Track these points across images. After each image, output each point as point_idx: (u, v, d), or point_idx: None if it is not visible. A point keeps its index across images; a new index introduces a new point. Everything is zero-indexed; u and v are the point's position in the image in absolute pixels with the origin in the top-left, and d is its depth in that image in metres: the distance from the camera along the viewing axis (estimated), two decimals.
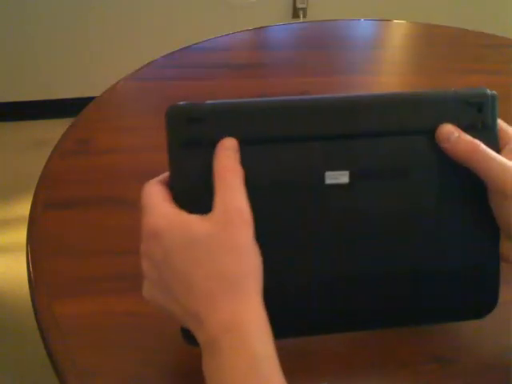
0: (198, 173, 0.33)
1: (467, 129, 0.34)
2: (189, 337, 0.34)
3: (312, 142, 0.34)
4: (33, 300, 0.45)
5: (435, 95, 0.36)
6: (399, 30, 1.05)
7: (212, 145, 0.33)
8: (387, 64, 0.90)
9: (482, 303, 0.38)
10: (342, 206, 0.35)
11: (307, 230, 0.35)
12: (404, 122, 0.35)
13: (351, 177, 0.34)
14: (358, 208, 0.35)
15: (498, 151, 0.34)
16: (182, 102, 0.34)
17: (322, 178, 0.34)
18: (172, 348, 0.40)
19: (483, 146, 0.33)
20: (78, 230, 0.52)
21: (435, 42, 0.96)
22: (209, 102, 0.34)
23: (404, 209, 0.35)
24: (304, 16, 1.95)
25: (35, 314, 0.44)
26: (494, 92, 0.35)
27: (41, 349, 0.42)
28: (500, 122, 0.36)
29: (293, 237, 0.35)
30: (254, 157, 0.33)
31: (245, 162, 0.33)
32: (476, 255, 0.37)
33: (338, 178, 0.34)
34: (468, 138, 0.34)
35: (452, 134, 0.34)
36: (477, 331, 0.38)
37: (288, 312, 0.35)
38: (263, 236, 0.32)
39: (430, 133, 0.35)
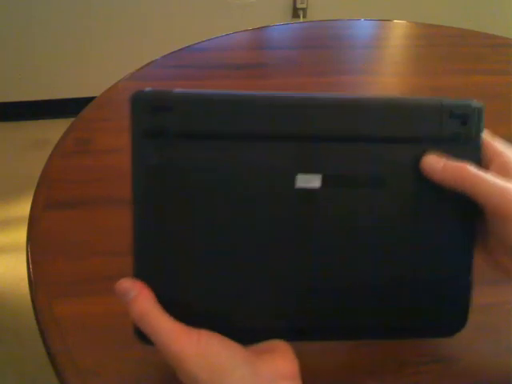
0: (161, 164, 0.32)
1: (449, 140, 0.33)
2: (143, 336, 0.33)
3: (285, 141, 0.32)
4: (33, 300, 0.45)
5: (420, 103, 0.34)
6: (399, 30, 1.05)
7: (178, 136, 0.32)
8: (387, 64, 0.90)
9: (451, 321, 0.36)
10: (312, 211, 0.33)
11: (274, 235, 0.33)
12: (385, 129, 0.33)
13: (323, 182, 0.33)
14: (328, 215, 0.33)
15: (480, 165, 0.34)
16: (148, 88, 0.32)
17: (293, 181, 0.33)
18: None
19: (471, 169, 0.32)
20: (78, 230, 0.52)
21: (435, 42, 0.96)
22: (177, 90, 0.32)
23: (376, 219, 0.34)
24: (304, 16, 1.95)
25: (35, 314, 0.44)
26: (481, 104, 0.34)
27: (41, 349, 0.42)
28: (485, 135, 0.34)
29: (258, 240, 0.33)
30: (222, 153, 0.32)
31: (210, 158, 0.32)
32: (448, 272, 0.35)
33: (310, 181, 0.33)
34: (454, 164, 0.33)
35: (437, 164, 0.33)
36: (477, 331, 0.38)
37: (257, 320, 0.34)
38: (225, 238, 0.31)
39: (411, 142, 0.33)
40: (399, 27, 1.05)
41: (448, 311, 0.36)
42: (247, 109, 0.32)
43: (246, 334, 0.32)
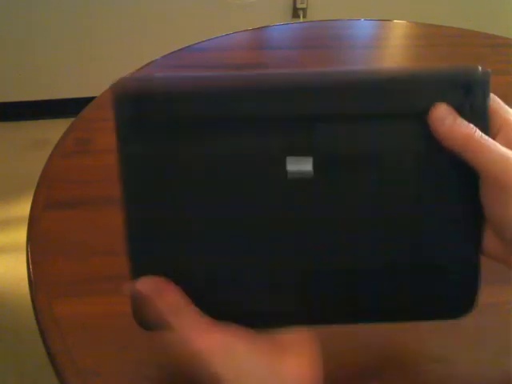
0: (148, 153, 0.31)
1: None
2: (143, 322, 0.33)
3: (275, 124, 0.31)
4: (33, 300, 0.45)
5: (417, 73, 0.32)
6: (399, 29, 1.05)
7: (163, 123, 0.31)
8: (387, 64, 0.90)
9: (459, 302, 0.35)
10: (306, 195, 0.32)
11: (269, 220, 0.32)
12: (379, 104, 0.31)
13: (317, 164, 0.31)
14: (324, 197, 0.32)
15: (488, 136, 0.31)
16: (128, 77, 0.31)
17: (284, 164, 0.31)
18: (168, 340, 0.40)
19: (479, 133, 0.30)
20: (78, 230, 0.52)
21: (435, 42, 0.96)
22: (158, 75, 0.31)
23: (376, 198, 0.32)
24: (304, 16, 1.95)
25: (35, 314, 0.44)
26: (488, 70, 0.32)
27: (41, 349, 0.42)
28: (492, 103, 0.32)
29: (254, 225, 0.32)
30: (209, 138, 0.31)
31: (199, 144, 0.31)
32: (455, 252, 0.34)
33: (302, 164, 0.31)
34: (464, 123, 0.31)
35: (447, 117, 0.31)
36: (477, 331, 0.38)
37: (256, 305, 0.33)
38: (217, 225, 0.31)
39: (410, 117, 0.31)
40: (399, 27, 1.05)
41: (455, 292, 0.34)
42: (232, 91, 0.31)
43: (247, 320, 0.31)
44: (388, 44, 0.98)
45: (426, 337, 0.42)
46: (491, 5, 2.00)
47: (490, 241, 0.33)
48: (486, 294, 0.36)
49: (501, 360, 0.41)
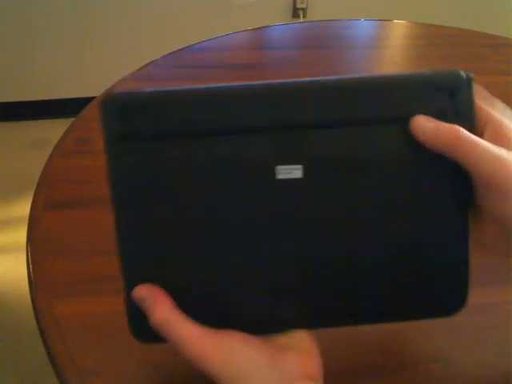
0: (139, 167, 0.32)
1: (437, 117, 0.31)
2: (138, 334, 0.33)
3: (262, 133, 0.31)
4: (33, 300, 0.45)
5: (400, 79, 0.32)
6: (399, 29, 1.05)
7: (152, 136, 0.31)
8: (387, 64, 0.90)
9: (451, 300, 0.35)
10: (297, 202, 0.32)
11: (263, 227, 0.32)
12: (364, 110, 0.31)
13: (306, 171, 0.31)
14: (322, 200, 0.32)
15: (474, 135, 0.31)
16: (118, 91, 0.31)
17: (273, 173, 0.31)
18: (172, 348, 0.40)
19: (464, 133, 0.30)
20: (78, 230, 0.52)
21: (435, 42, 0.96)
22: (148, 89, 0.31)
23: (365, 203, 0.32)
24: (304, 16, 1.95)
25: (35, 314, 0.44)
26: (471, 74, 0.32)
27: (41, 349, 0.42)
28: (477, 99, 0.32)
29: (248, 231, 0.32)
30: (199, 151, 0.31)
31: (188, 157, 0.31)
32: (446, 251, 0.34)
33: (291, 172, 0.31)
34: (446, 125, 0.30)
35: (427, 126, 0.31)
36: (477, 331, 0.38)
37: (256, 309, 0.33)
38: (211, 235, 0.31)
39: (394, 122, 0.32)
40: (399, 27, 1.05)
41: (447, 290, 0.35)
42: (220, 103, 0.31)
43: (247, 326, 0.32)
44: (388, 44, 0.98)
45: (425, 337, 0.42)
46: (491, 5, 2.00)
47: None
48: (486, 294, 0.36)
49: (501, 360, 0.41)
